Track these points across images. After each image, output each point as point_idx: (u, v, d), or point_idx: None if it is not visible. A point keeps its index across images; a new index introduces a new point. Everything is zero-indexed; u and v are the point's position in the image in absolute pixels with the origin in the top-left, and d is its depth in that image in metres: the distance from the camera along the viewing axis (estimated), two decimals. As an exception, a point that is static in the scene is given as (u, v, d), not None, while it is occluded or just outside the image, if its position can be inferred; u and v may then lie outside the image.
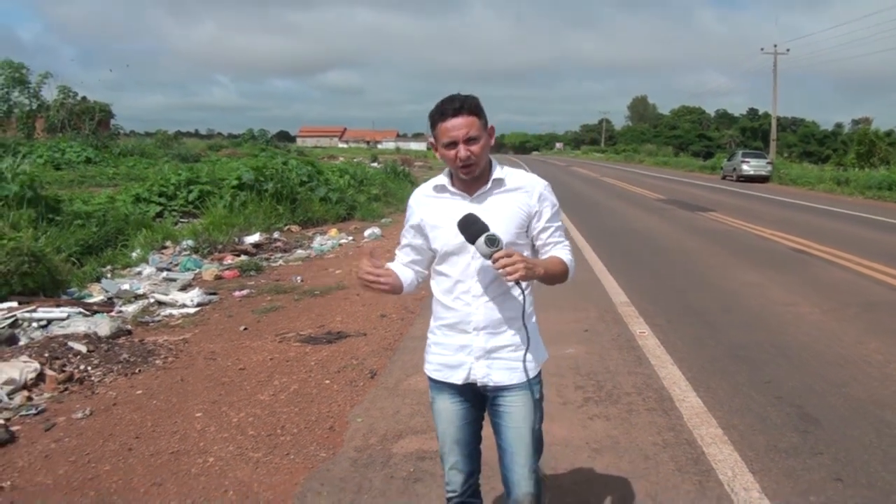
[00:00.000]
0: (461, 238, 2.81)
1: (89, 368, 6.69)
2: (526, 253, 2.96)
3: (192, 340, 7.75)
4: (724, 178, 45.40)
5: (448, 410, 3.08)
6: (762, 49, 57.92)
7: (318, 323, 8.22)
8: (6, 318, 8.31)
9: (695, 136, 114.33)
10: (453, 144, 2.84)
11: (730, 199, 28.06)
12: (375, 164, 42.06)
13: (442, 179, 3.03)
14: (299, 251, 14.11)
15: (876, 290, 10.15)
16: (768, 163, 43.99)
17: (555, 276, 2.94)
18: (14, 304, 8.81)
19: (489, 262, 2.74)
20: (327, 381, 6.36)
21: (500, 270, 2.68)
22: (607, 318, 8.41)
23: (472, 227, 2.74)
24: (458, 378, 3.01)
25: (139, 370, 6.73)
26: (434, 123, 2.90)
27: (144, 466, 4.76)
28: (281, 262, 13.05)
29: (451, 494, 3.16)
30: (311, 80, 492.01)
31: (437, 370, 3.08)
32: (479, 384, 2.99)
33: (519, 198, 2.97)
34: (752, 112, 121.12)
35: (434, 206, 3.03)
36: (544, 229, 3.01)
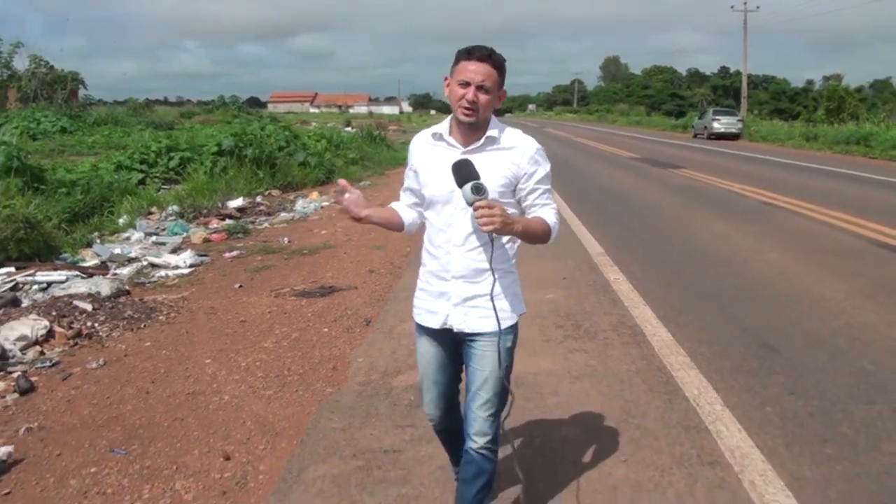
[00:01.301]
0: (449, 188, 2.93)
1: (96, 325, 7.08)
2: (513, 211, 3.02)
3: (191, 298, 8.15)
4: (695, 136, 45.92)
5: (428, 353, 3.26)
6: (732, 7, 58.20)
7: (310, 279, 8.64)
8: (6, 283, 8.69)
9: (667, 96, 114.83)
10: (466, 84, 2.90)
11: (700, 156, 28.64)
12: (349, 129, 42.20)
13: (441, 128, 3.10)
14: (283, 214, 14.47)
15: (839, 238, 10.71)
16: (739, 120, 44.54)
17: (535, 234, 3.03)
18: (12, 269, 9.16)
19: (471, 210, 2.85)
20: (325, 329, 6.82)
21: (479, 220, 2.78)
22: (584, 267, 8.91)
23: (463, 171, 2.83)
24: (435, 323, 3.15)
25: (144, 325, 7.13)
26: (458, 59, 2.95)
27: (164, 406, 5.20)
28: (266, 224, 13.43)
29: (431, 421, 3.44)
30: (282, 45, 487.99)
31: (419, 314, 3.23)
32: (455, 330, 3.11)
33: (510, 157, 3.02)
34: (724, 70, 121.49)
35: (429, 153, 3.12)
36: (532, 190, 3.06)
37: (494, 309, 2.98)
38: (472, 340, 3.11)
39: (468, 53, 2.91)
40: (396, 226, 3.26)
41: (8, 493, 4.04)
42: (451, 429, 3.43)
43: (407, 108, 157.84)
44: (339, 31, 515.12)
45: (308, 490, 3.94)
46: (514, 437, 4.40)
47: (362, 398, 5.11)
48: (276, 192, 17.53)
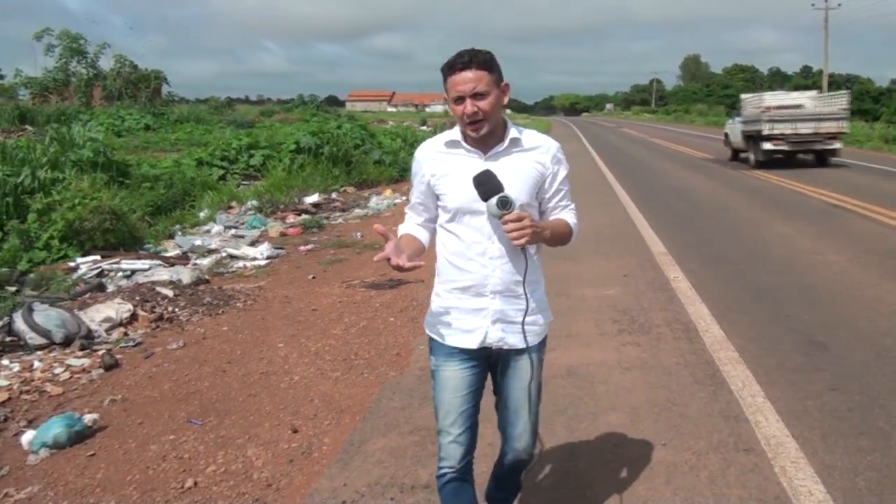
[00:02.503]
0: (476, 196, 2.77)
1: (177, 310, 7.59)
2: (535, 214, 2.97)
3: (267, 287, 8.63)
4: (773, 137, 44.43)
5: (456, 378, 2.99)
6: (813, 4, 57.06)
7: (380, 272, 9.01)
8: (93, 269, 9.29)
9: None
10: (461, 99, 2.77)
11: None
12: (425, 128, 42.73)
13: (454, 135, 2.94)
14: (357, 210, 14.96)
15: (903, 240, 10.69)
16: (817, 121, 42.62)
17: (560, 238, 3.00)
18: (97, 257, 9.78)
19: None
20: (392, 319, 7.20)
21: (510, 234, 2.70)
22: (645, 266, 9.13)
23: (487, 184, 2.71)
24: (473, 342, 2.95)
25: (222, 311, 7.62)
26: (445, 77, 2.82)
27: (239, 383, 5.65)
28: (340, 220, 13.92)
29: (446, 470, 3.05)
30: (359, 45, 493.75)
31: (449, 335, 2.98)
32: (494, 348, 2.96)
33: (535, 157, 2.93)
34: (806, 70, 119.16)
35: (446, 163, 2.94)
36: (556, 192, 2.99)
37: (523, 323, 2.91)
38: (509, 357, 3.00)
39: (450, 68, 2.79)
40: (420, 252, 3.04)
41: (93, 455, 4.54)
42: (463, 479, 3.09)
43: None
44: (415, 31, 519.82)
45: (368, 460, 4.31)
46: (562, 422, 4.72)
47: (422, 381, 5.44)
48: (350, 189, 18.04)
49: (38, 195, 11.04)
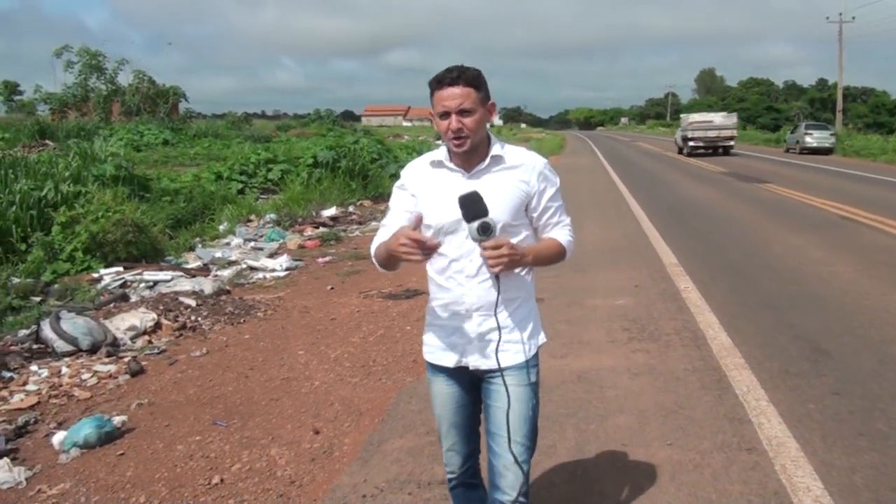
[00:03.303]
0: (457, 215, 2.68)
1: (199, 319, 7.82)
2: (525, 232, 2.91)
3: (286, 298, 8.85)
4: (787, 150, 45.12)
5: (443, 394, 3.01)
6: (827, 18, 57.25)
7: (397, 283, 9.22)
8: (116, 280, 9.54)
9: (763, 109, 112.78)
10: (446, 115, 2.74)
11: (788, 170, 28.38)
12: (440, 142, 42.89)
13: (439, 154, 2.93)
14: (374, 223, 15.14)
15: (911, 252, 10.83)
16: (832, 134, 43.45)
17: (548, 259, 2.94)
18: (121, 268, 10.03)
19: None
20: (408, 328, 7.40)
21: (488, 261, 2.65)
22: (656, 276, 9.31)
23: (472, 206, 2.61)
24: (450, 361, 2.93)
25: (243, 320, 7.84)
26: (431, 92, 2.79)
27: (262, 388, 5.86)
28: (357, 232, 14.14)
29: (450, 475, 3.14)
30: (375, 61, 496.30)
31: (431, 353, 3.01)
32: (471, 367, 2.91)
33: (518, 175, 2.86)
34: (822, 83, 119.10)
35: (429, 181, 2.91)
36: (545, 209, 2.92)
37: (497, 344, 2.81)
38: (492, 378, 2.90)
39: (438, 82, 2.76)
40: (399, 265, 2.86)
41: (122, 454, 4.77)
42: (469, 483, 3.17)
43: (497, 121, 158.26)
44: (430, 46, 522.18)
45: (386, 458, 4.52)
46: (572, 423, 4.91)
47: (438, 387, 5.63)
48: (367, 203, 18.27)
49: (61, 208, 11.31)
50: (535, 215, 2.93)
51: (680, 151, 42.44)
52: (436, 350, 2.98)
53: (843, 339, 6.57)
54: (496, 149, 2.86)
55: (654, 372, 5.88)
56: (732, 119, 42.51)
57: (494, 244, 2.60)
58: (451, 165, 2.86)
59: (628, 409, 5.16)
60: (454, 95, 2.71)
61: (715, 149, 40.46)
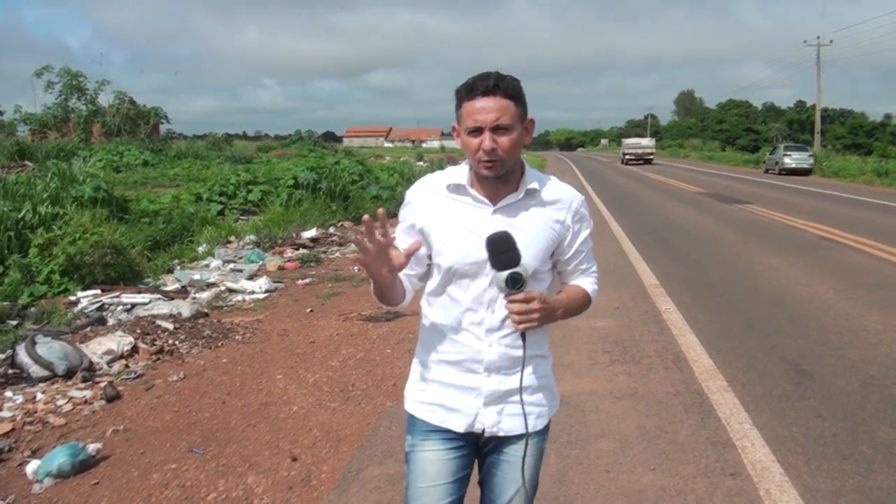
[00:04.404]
0: (479, 256, 2.30)
1: (177, 342, 7.70)
2: (549, 279, 2.53)
3: (265, 320, 8.75)
4: (766, 171, 45.62)
5: (436, 462, 2.46)
6: (805, 41, 58.07)
7: (377, 305, 9.11)
8: (94, 303, 9.42)
9: (742, 130, 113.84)
10: (478, 131, 2.26)
11: (767, 191, 28.57)
12: (421, 163, 43.03)
13: (459, 177, 2.42)
14: (353, 245, 15.09)
15: (890, 272, 10.90)
16: (810, 155, 44.02)
17: (573, 312, 2.55)
18: (98, 291, 9.90)
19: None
20: (388, 351, 7.33)
21: (513, 316, 2.27)
22: (637, 298, 9.28)
23: (502, 254, 2.23)
24: (458, 424, 2.44)
25: (221, 344, 7.73)
26: (460, 102, 2.32)
27: (239, 414, 5.76)
28: (338, 254, 14.04)
29: None
30: (356, 82, 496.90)
31: (432, 412, 2.48)
32: (486, 433, 2.46)
33: (552, 214, 2.43)
34: (800, 104, 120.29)
35: (445, 209, 2.42)
36: (577, 253, 2.54)
37: (522, 405, 2.41)
38: (502, 444, 2.50)
39: (469, 91, 2.28)
40: (399, 297, 2.48)
41: (97, 483, 4.63)
42: None
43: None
44: (412, 67, 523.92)
45: (365, 486, 4.44)
46: (554, 449, 4.84)
47: (418, 411, 5.56)
48: (348, 224, 18.17)
49: (39, 230, 11.18)
50: (563, 258, 2.53)
51: (622, 162, 64.97)
52: (437, 409, 2.48)
53: (824, 361, 6.55)
54: (532, 180, 2.41)
55: (636, 395, 5.83)
56: (652, 142, 69.42)
57: (525, 298, 2.25)
58: (475, 193, 2.40)
59: (610, 433, 5.10)
60: (489, 108, 2.24)
61: (641, 159, 63.50)
